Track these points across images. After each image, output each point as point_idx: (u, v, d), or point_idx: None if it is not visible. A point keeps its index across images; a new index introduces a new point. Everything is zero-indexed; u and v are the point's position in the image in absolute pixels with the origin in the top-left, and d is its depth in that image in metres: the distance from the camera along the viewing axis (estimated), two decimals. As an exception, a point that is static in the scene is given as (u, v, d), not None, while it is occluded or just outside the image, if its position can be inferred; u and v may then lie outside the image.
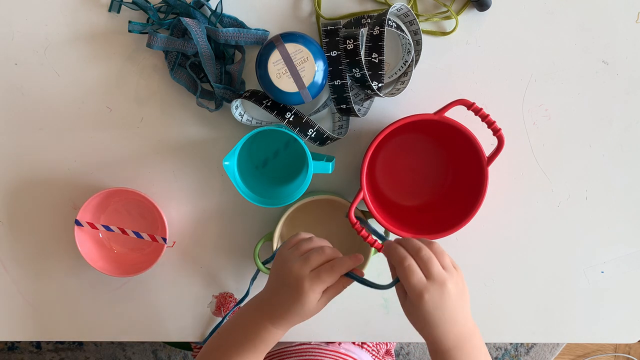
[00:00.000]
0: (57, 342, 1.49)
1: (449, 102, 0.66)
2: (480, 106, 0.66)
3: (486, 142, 0.67)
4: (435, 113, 0.66)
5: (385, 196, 0.76)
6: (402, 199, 0.76)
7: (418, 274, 0.55)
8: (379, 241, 0.64)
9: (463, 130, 0.66)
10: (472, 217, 0.68)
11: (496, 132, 0.66)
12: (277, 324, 0.60)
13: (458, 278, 0.57)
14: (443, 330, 0.56)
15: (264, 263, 0.73)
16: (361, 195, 0.67)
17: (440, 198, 0.75)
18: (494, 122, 0.66)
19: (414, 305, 0.55)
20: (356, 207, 0.68)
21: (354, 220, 0.66)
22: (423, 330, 0.58)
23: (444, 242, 0.74)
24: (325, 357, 0.85)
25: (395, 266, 0.57)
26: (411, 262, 0.56)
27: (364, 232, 0.67)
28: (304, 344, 0.87)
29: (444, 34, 0.73)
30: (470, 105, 0.66)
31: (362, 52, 0.66)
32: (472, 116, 0.66)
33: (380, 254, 0.74)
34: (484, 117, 0.66)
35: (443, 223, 0.69)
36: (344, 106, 0.68)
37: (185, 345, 1.43)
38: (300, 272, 0.57)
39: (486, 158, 0.67)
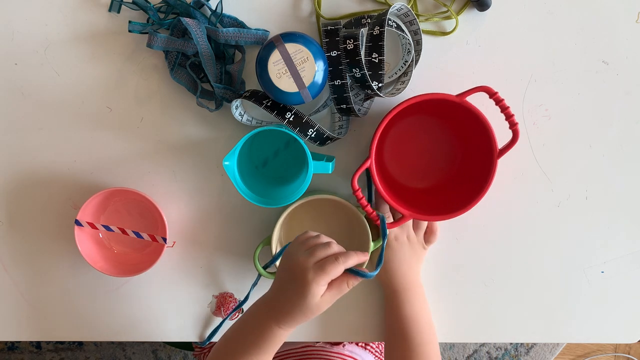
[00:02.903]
0: (57, 342, 1.49)
1: (472, 87, 0.66)
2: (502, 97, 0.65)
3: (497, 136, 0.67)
4: (457, 95, 0.66)
5: (391, 176, 0.75)
6: (408, 180, 0.76)
7: (395, 230, 0.73)
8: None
9: (481, 118, 0.66)
10: (474, 205, 0.67)
11: (513, 125, 0.66)
12: (282, 322, 0.60)
13: (418, 247, 0.75)
14: (398, 275, 0.74)
15: (264, 267, 0.73)
16: (368, 163, 0.66)
17: (445, 182, 0.75)
18: (513, 115, 0.66)
19: (391, 247, 0.74)
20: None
21: (356, 187, 0.66)
22: (384, 277, 0.75)
23: (444, 242, 0.75)
24: (329, 358, 0.85)
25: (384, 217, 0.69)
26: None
27: (363, 200, 0.67)
28: (308, 345, 0.87)
29: (444, 34, 0.73)
30: (493, 94, 0.65)
31: (362, 52, 0.66)
32: (485, 108, 0.66)
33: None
34: (504, 109, 0.65)
35: (447, 206, 0.69)
36: (344, 106, 0.68)
37: (185, 345, 1.43)
38: (305, 263, 0.58)
39: (498, 150, 0.67)
